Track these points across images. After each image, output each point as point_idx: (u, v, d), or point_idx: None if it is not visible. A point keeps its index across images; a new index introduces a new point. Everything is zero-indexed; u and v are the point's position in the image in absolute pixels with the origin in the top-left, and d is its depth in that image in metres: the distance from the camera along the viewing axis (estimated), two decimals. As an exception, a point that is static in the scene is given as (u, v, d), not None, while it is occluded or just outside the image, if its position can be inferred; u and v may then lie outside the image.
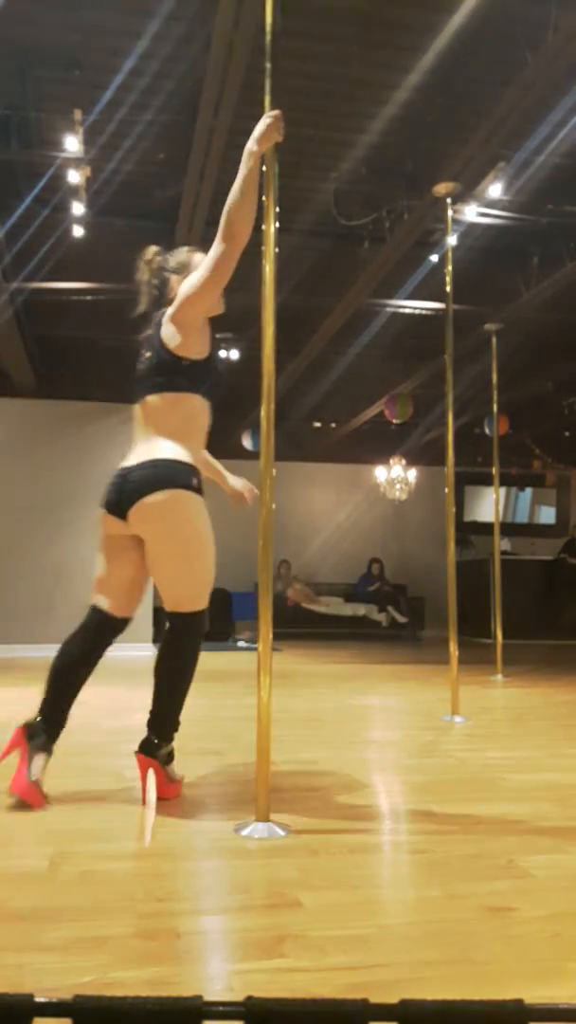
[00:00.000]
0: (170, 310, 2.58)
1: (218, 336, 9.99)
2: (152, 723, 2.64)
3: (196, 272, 2.55)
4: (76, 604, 9.71)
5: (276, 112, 2.44)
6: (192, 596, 2.62)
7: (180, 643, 2.60)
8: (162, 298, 2.72)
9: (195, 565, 2.62)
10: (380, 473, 12.52)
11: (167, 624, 2.63)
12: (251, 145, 2.42)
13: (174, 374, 2.61)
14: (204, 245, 6.69)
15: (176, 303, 2.56)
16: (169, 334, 2.58)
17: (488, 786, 2.76)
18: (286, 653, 8.02)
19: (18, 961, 1.42)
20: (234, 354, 9.17)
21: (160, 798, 2.47)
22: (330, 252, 7.08)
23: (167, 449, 2.63)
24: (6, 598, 8.75)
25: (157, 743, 2.61)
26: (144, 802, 2.44)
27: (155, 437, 2.68)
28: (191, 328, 2.54)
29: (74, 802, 2.53)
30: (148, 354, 2.68)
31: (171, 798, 2.54)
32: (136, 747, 2.61)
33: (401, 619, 11.28)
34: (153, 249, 2.80)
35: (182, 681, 2.62)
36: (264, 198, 2.47)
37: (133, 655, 8.63)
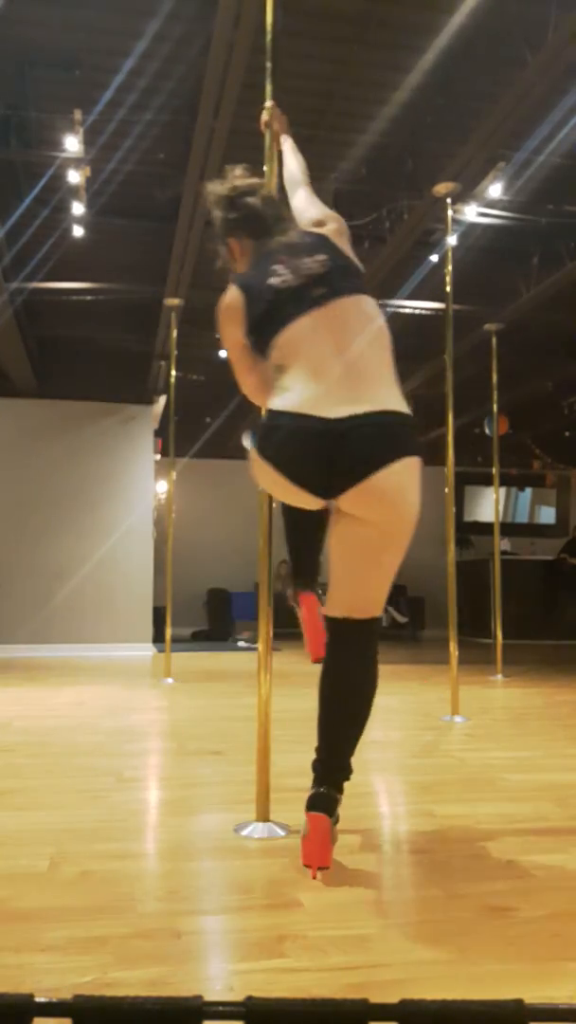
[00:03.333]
0: (335, 227, 2.16)
1: (218, 336, 9.93)
2: (331, 771, 1.99)
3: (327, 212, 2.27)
4: (76, 604, 9.75)
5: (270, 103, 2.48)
6: (385, 594, 2.10)
7: (373, 658, 2.05)
8: (288, 213, 2.27)
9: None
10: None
11: (343, 634, 2.03)
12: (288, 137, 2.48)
13: (365, 287, 2.07)
14: (205, 244, 6.66)
15: (339, 226, 2.18)
16: (347, 249, 2.12)
17: (488, 786, 2.76)
18: (286, 653, 8.02)
19: (18, 961, 1.42)
20: (234, 354, 9.16)
21: (320, 867, 1.84)
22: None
23: (397, 393, 1.94)
24: (6, 598, 8.75)
25: (337, 795, 1.97)
26: (314, 875, 1.83)
27: (376, 368, 1.94)
28: None
29: (74, 802, 2.52)
30: (320, 256, 2.03)
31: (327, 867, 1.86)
32: (308, 804, 1.92)
33: (401, 619, 11.28)
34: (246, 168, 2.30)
35: (370, 707, 2.04)
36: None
37: (133, 655, 8.64)
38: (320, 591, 2.29)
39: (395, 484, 1.83)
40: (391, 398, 1.89)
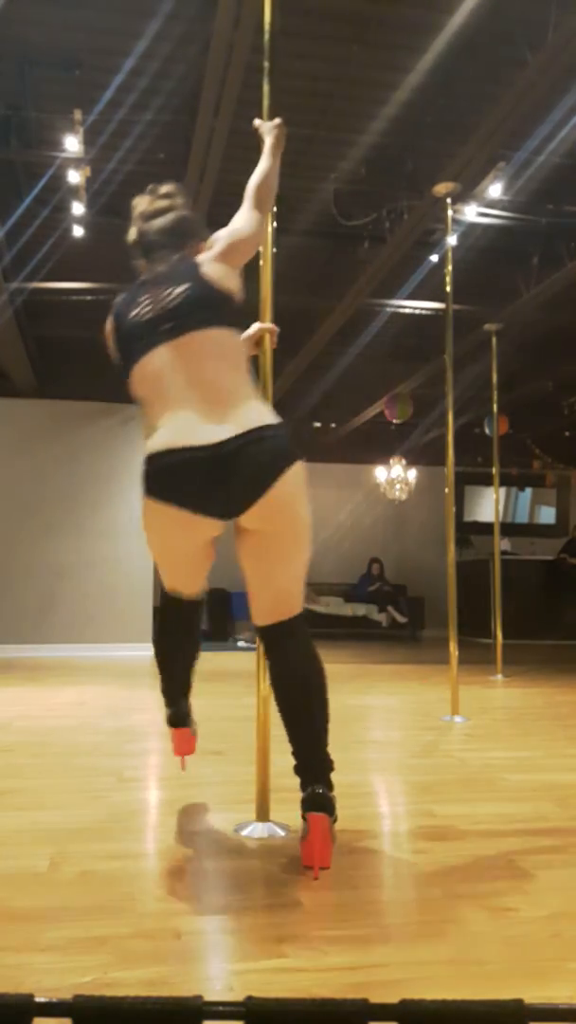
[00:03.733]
0: (219, 250, 2.16)
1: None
2: (312, 768, 2.05)
3: (245, 222, 2.27)
4: (76, 604, 9.74)
5: (278, 121, 2.43)
6: (302, 590, 2.13)
7: (311, 651, 2.08)
8: (183, 240, 2.25)
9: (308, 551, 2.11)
10: (380, 473, 12.52)
11: (275, 638, 2.07)
12: (274, 149, 2.40)
13: (227, 313, 2.09)
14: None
15: (226, 245, 2.18)
16: (220, 273, 2.12)
17: (488, 786, 2.76)
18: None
19: (18, 961, 1.42)
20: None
21: (322, 867, 1.88)
22: (330, 252, 7.08)
23: (261, 406, 2.02)
24: (6, 598, 8.75)
25: (330, 792, 2.02)
26: (316, 875, 1.85)
27: (234, 389, 2.00)
28: (237, 272, 2.20)
29: (74, 802, 2.53)
30: (179, 289, 2.07)
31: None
32: (304, 806, 1.98)
33: (401, 619, 11.28)
34: (173, 187, 2.35)
35: (324, 696, 2.11)
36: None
37: (133, 655, 8.64)
38: (193, 719, 2.56)
39: (291, 490, 1.95)
40: (260, 413, 1.98)
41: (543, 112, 5.16)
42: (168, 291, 2.08)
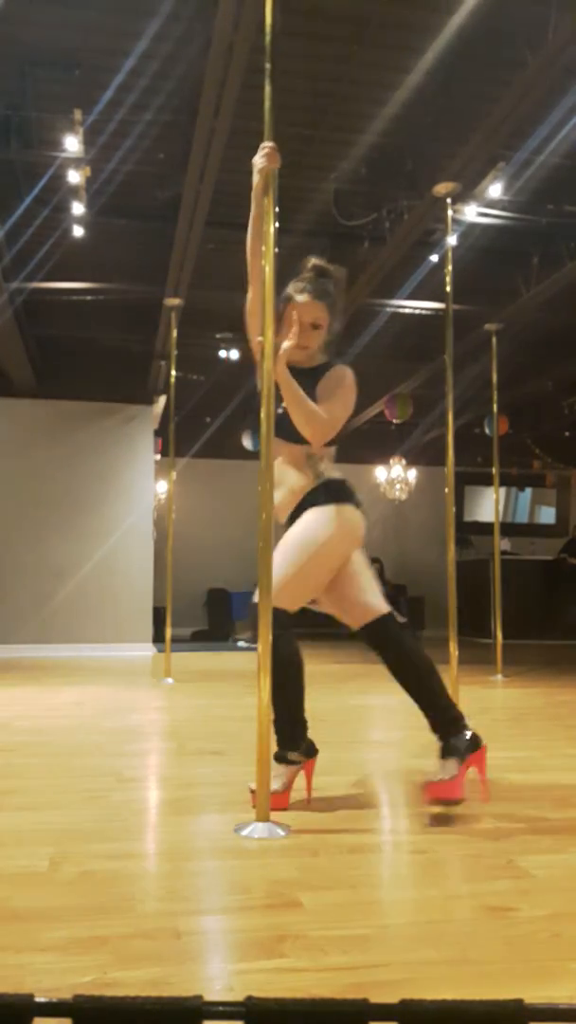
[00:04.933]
0: None
1: (218, 336, 9.93)
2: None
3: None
4: (76, 604, 9.75)
5: (270, 144, 2.45)
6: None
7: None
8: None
9: None
10: (380, 473, 12.52)
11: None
12: (255, 180, 2.47)
13: None
14: (203, 247, 6.64)
15: None
16: None
17: (488, 786, 2.75)
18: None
19: (18, 961, 1.42)
20: (234, 354, 9.17)
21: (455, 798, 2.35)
22: (330, 252, 7.08)
23: None
24: (6, 598, 8.75)
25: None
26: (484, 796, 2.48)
27: None
28: None
29: (74, 802, 2.53)
30: None
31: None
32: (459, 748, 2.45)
33: (401, 619, 11.26)
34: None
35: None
36: (264, 198, 2.46)
37: (133, 655, 8.64)
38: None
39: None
40: None
41: (543, 112, 5.16)
42: None
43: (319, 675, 6.62)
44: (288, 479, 2.63)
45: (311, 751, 2.55)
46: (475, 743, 2.46)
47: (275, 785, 2.34)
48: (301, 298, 2.61)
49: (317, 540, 2.48)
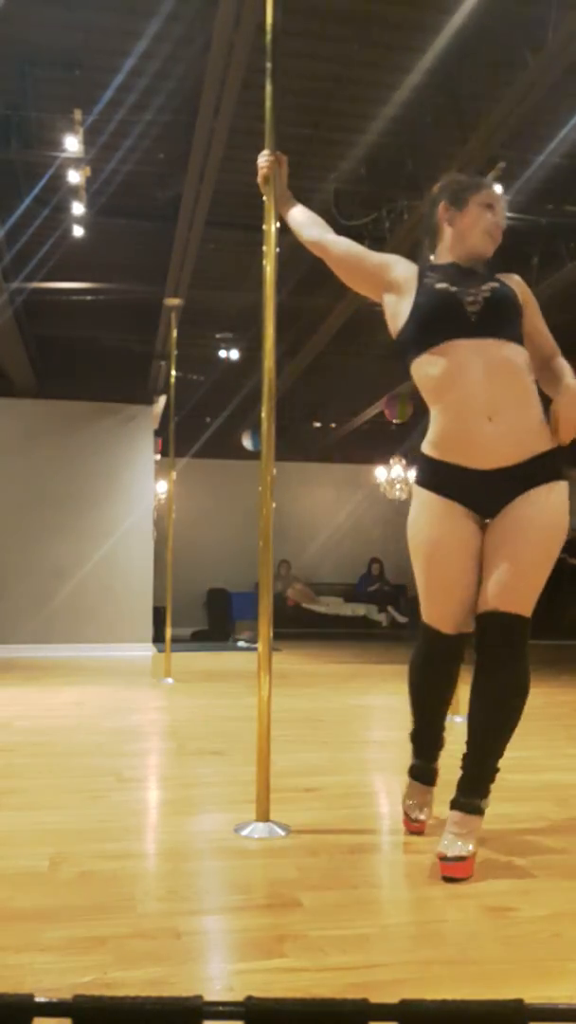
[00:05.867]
0: None
1: (218, 336, 9.89)
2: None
3: None
4: (76, 604, 9.72)
5: (267, 156, 2.48)
6: None
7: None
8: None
9: None
10: (380, 473, 12.51)
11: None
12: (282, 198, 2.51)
13: None
14: (203, 247, 6.62)
15: None
16: None
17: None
18: (286, 653, 8.01)
19: (18, 961, 1.42)
20: (234, 354, 9.17)
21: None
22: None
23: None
24: (6, 598, 8.75)
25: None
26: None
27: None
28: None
29: (74, 802, 2.52)
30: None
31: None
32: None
33: (401, 619, 11.28)
34: None
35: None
36: (264, 198, 2.47)
37: (133, 655, 8.64)
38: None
39: None
40: None
41: (543, 112, 5.16)
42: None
43: (319, 675, 6.62)
44: (510, 411, 2.03)
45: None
46: None
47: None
48: (498, 188, 2.38)
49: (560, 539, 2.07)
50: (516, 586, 2.01)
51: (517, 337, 2.10)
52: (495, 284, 2.17)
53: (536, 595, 2.07)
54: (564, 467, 2.09)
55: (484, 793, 2.00)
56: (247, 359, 9.05)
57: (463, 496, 2.07)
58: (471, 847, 1.89)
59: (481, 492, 2.04)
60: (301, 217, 2.47)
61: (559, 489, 2.05)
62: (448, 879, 1.83)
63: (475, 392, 2.01)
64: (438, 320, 2.08)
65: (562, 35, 4.27)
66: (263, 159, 2.48)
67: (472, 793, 1.98)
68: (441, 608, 2.13)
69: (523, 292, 2.24)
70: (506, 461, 2.01)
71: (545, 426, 2.05)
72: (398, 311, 2.18)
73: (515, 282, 2.25)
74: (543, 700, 5.15)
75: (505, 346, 2.05)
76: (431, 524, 2.14)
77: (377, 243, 6.61)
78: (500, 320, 2.08)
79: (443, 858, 1.87)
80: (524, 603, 2.03)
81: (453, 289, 2.11)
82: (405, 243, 6.38)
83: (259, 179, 2.50)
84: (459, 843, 1.89)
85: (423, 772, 2.31)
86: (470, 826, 1.93)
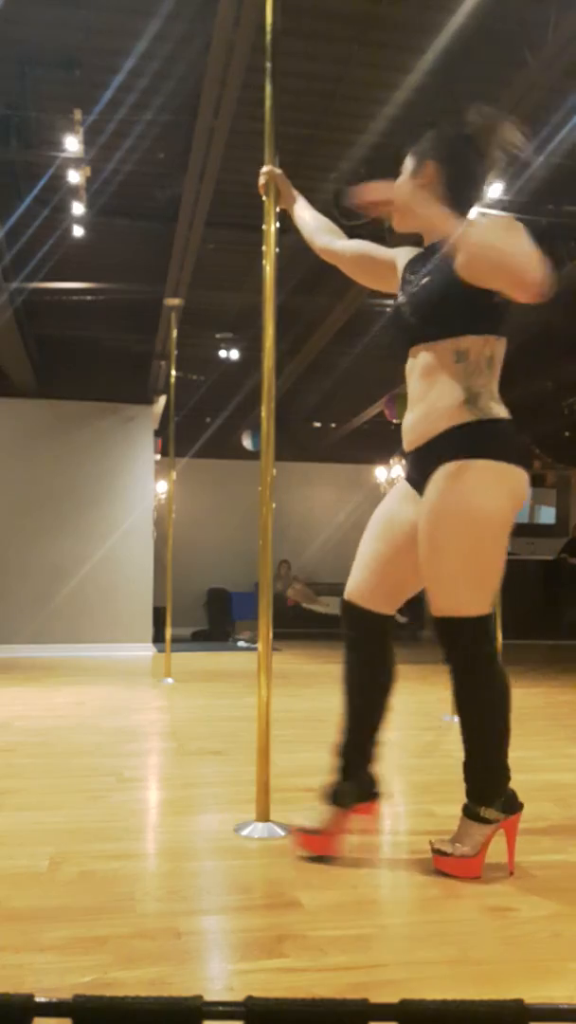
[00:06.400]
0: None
1: (218, 336, 9.90)
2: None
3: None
4: (76, 604, 9.74)
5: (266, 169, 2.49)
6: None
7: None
8: None
9: None
10: (380, 473, 12.51)
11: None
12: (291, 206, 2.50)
13: None
14: (203, 247, 6.61)
15: None
16: None
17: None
18: (286, 653, 8.01)
19: (18, 961, 1.42)
20: (234, 354, 9.17)
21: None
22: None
23: None
24: (6, 598, 8.75)
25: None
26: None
27: None
28: None
29: (74, 802, 2.52)
30: None
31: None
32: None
33: (401, 619, 11.26)
34: None
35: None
36: (264, 198, 2.47)
37: (133, 655, 8.64)
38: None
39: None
40: None
41: (543, 112, 5.16)
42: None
43: (319, 675, 6.62)
44: (429, 399, 1.99)
45: (512, 806, 1.95)
46: (513, 804, 1.95)
47: (466, 849, 1.90)
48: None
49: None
50: (432, 588, 1.97)
51: (444, 331, 2.00)
52: (427, 277, 2.07)
53: (460, 587, 1.91)
54: (487, 444, 1.91)
55: (478, 798, 1.93)
56: (247, 359, 9.05)
57: (408, 478, 2.11)
58: (457, 848, 1.89)
59: (411, 474, 2.08)
60: (312, 223, 2.47)
61: (467, 468, 1.88)
62: (437, 870, 1.88)
63: (409, 388, 2.07)
64: (388, 328, 2.15)
65: (562, 35, 4.27)
66: (262, 174, 2.49)
67: (468, 796, 1.96)
68: (354, 574, 2.14)
69: (461, 242, 1.93)
70: (419, 440, 2.00)
71: (463, 406, 1.94)
72: None
73: (457, 239, 1.94)
74: (543, 700, 5.14)
75: (430, 348, 2.02)
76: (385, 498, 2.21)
77: (377, 243, 6.61)
78: (423, 323, 2.03)
79: (431, 847, 1.93)
80: (447, 603, 1.94)
81: (400, 294, 2.15)
82: (405, 243, 6.39)
83: (259, 187, 2.50)
84: (447, 839, 1.94)
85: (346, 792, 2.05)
86: (464, 829, 1.92)
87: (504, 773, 1.95)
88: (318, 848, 1.99)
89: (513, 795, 1.94)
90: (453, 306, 1.98)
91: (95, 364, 9.22)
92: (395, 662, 2.15)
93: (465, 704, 2.00)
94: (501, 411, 2.00)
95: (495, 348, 2.05)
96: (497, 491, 1.89)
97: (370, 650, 2.15)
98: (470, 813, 1.93)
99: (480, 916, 1.64)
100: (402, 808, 2.60)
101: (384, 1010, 0.80)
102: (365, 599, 2.11)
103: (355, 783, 2.04)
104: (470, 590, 1.92)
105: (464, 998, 0.85)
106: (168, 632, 6.38)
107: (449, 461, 1.90)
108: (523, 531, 13.43)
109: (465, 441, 1.92)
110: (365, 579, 2.11)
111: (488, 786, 1.94)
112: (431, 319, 2.01)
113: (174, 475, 6.67)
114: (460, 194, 2.11)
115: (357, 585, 2.13)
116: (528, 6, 4.39)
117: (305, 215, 2.50)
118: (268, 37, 2.52)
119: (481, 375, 2.00)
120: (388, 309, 2.13)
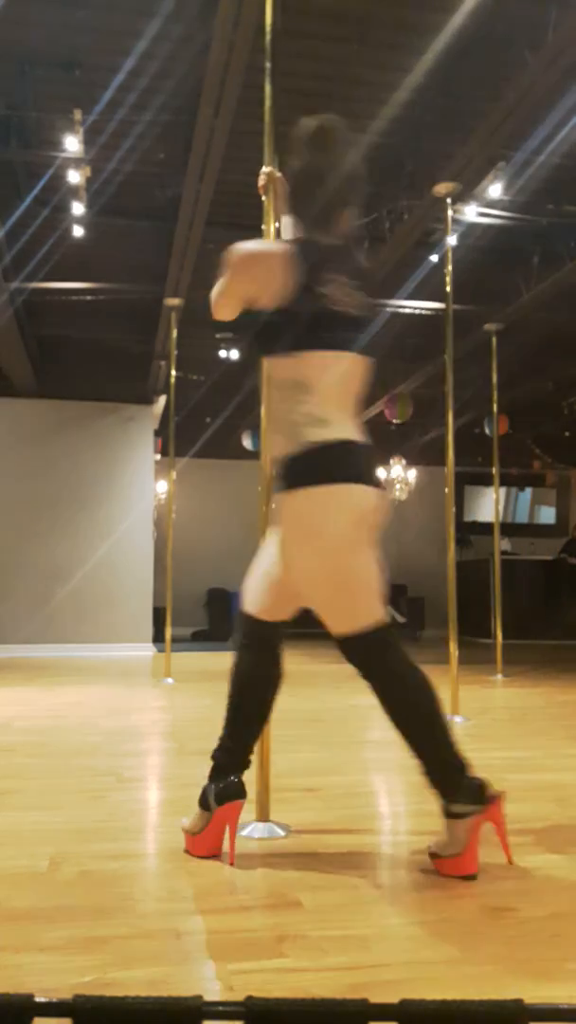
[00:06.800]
0: None
1: (218, 336, 9.90)
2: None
3: None
4: (76, 604, 9.75)
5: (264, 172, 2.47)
6: None
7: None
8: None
9: None
10: (380, 473, 12.52)
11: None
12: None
13: None
14: (203, 247, 6.63)
15: None
16: None
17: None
18: (286, 653, 8.01)
19: (18, 961, 1.42)
20: (234, 354, 9.18)
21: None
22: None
23: None
24: (6, 598, 8.75)
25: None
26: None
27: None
28: None
29: (74, 802, 2.52)
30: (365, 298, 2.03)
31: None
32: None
33: (401, 619, 11.28)
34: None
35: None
36: (264, 198, 2.47)
37: (133, 655, 8.64)
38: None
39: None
40: None
41: (543, 112, 5.16)
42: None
43: (319, 675, 6.62)
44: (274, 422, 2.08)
45: (482, 796, 1.91)
46: (484, 793, 1.90)
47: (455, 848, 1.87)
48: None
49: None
50: (320, 615, 2.01)
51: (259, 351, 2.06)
52: None
53: (333, 604, 1.95)
54: (310, 473, 1.87)
55: (445, 795, 1.89)
56: (247, 359, 9.05)
57: None
58: (446, 848, 1.88)
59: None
60: None
61: (291, 499, 1.89)
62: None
63: None
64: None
65: (562, 35, 4.27)
66: (262, 174, 2.48)
67: (439, 798, 1.92)
68: (247, 583, 2.15)
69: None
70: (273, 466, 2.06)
71: (295, 427, 1.91)
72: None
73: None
74: (543, 700, 5.15)
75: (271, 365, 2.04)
76: None
77: (377, 243, 6.61)
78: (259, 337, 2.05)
79: (429, 850, 1.94)
80: (337, 625, 1.96)
81: None
82: (405, 243, 6.39)
83: (259, 187, 2.50)
84: (435, 839, 1.95)
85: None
86: (446, 829, 1.90)
87: (455, 762, 1.92)
88: (191, 848, 2.01)
89: (480, 785, 1.89)
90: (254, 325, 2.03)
91: (95, 364, 9.23)
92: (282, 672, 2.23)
93: (397, 713, 1.98)
94: (323, 433, 1.89)
95: (305, 368, 1.91)
96: (324, 512, 1.88)
97: (268, 660, 2.22)
98: (445, 812, 1.91)
99: (480, 916, 1.64)
100: (402, 808, 2.60)
101: (384, 1010, 0.80)
102: (261, 611, 2.15)
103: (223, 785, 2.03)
104: (352, 606, 1.94)
105: (464, 998, 0.85)
106: (168, 632, 6.38)
107: (284, 490, 1.93)
108: (523, 531, 13.45)
109: (286, 473, 1.93)
110: (257, 588, 2.15)
111: (448, 780, 1.91)
112: (260, 336, 2.06)
113: (174, 475, 6.68)
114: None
115: (252, 592, 2.17)
116: (528, 6, 4.40)
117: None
118: (268, 37, 2.52)
119: (292, 399, 1.93)
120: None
